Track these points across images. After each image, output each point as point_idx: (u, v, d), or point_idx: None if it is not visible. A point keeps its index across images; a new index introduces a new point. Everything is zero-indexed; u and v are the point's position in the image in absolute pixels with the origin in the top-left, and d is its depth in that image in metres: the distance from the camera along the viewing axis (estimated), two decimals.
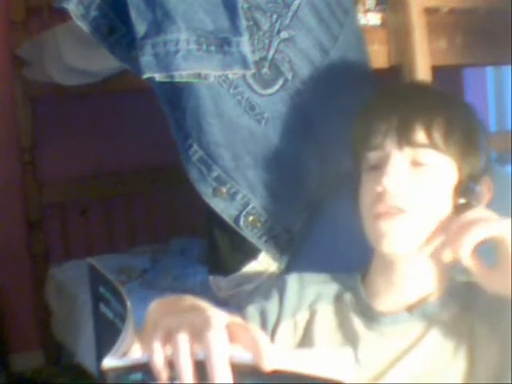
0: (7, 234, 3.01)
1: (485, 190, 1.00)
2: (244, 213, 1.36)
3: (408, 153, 0.97)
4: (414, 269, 1.00)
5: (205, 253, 2.25)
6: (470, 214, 0.88)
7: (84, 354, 2.45)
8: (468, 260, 0.86)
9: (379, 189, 0.96)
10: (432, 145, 0.96)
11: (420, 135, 0.96)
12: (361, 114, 1.03)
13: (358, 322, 1.02)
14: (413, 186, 0.96)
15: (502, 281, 0.85)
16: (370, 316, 1.01)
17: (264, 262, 1.43)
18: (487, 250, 0.88)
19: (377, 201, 0.97)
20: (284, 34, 1.35)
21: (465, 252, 0.85)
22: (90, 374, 2.37)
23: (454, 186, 0.98)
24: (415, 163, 0.97)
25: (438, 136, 0.96)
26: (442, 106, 1.00)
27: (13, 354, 3.01)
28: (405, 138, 0.96)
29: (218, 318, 0.64)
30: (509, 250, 0.84)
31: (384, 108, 1.00)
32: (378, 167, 0.98)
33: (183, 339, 0.62)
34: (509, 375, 0.90)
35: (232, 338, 0.63)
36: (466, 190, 0.97)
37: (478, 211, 0.91)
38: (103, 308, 0.73)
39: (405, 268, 1.00)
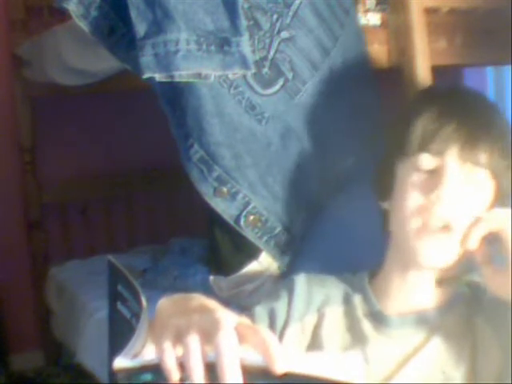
0: (7, 233, 3.01)
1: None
2: (244, 213, 1.36)
3: (466, 168, 0.97)
4: (429, 277, 1.00)
5: (205, 253, 2.26)
6: (482, 215, 0.95)
7: (84, 354, 2.45)
8: (479, 256, 0.93)
9: (433, 197, 0.95)
10: (490, 168, 0.97)
11: (482, 156, 0.97)
12: (425, 113, 1.00)
13: (366, 325, 1.02)
14: (463, 201, 0.96)
15: (506, 284, 0.88)
16: (379, 319, 1.02)
17: (265, 262, 1.43)
18: None
19: (425, 209, 0.96)
20: (284, 34, 1.35)
21: (471, 245, 0.93)
22: (90, 374, 2.37)
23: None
24: (469, 180, 0.97)
25: (497, 160, 0.98)
26: (501, 129, 1.01)
27: (13, 354, 3.01)
28: (468, 155, 0.97)
29: (228, 319, 0.64)
30: (509, 244, 0.88)
31: (451, 115, 0.99)
32: (432, 173, 0.98)
33: (193, 340, 0.63)
34: (510, 375, 0.90)
35: (241, 339, 0.63)
36: None
37: (491, 212, 0.95)
38: (120, 306, 0.73)
39: (423, 276, 1.00)
